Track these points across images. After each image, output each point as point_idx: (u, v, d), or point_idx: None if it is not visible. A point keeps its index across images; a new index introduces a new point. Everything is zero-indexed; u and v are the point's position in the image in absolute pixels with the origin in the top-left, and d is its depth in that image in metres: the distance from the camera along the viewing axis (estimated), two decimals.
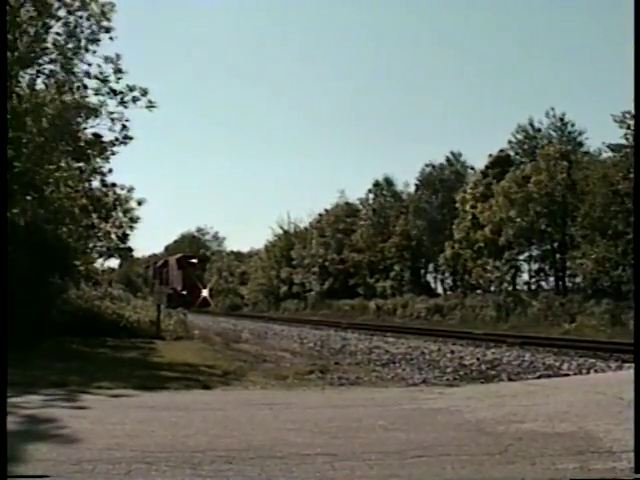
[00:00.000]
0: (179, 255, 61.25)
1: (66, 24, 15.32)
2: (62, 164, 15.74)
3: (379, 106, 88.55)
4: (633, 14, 6.39)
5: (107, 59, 15.46)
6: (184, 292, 51.67)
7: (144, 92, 15.62)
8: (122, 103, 15.58)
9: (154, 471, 4.22)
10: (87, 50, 15.56)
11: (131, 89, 15.52)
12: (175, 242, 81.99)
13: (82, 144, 15.90)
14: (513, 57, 74.49)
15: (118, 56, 15.52)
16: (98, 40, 15.55)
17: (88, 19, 15.41)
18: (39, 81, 15.76)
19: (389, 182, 45.72)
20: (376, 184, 46.05)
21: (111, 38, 15.58)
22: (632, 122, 23.13)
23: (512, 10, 73.24)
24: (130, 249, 20.03)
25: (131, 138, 16.11)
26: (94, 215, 16.93)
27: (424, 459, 4.55)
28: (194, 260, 59.10)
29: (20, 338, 10.81)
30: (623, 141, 24.83)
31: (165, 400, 7.48)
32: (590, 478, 3.99)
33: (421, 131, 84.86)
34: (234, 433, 5.39)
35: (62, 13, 15.25)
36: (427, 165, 41.23)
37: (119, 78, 15.52)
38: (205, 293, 53.94)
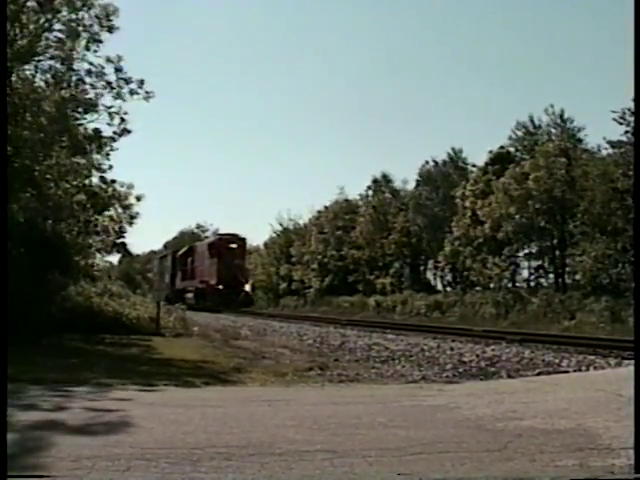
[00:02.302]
0: (213, 238, 46.11)
1: (68, 22, 15.30)
2: (61, 160, 15.72)
3: (379, 102, 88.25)
4: (633, 11, 6.38)
5: (108, 59, 15.48)
6: (220, 287, 39.28)
7: (141, 83, 15.59)
8: (119, 96, 15.57)
9: (153, 468, 4.21)
10: (88, 49, 15.55)
11: (127, 82, 15.49)
12: (174, 238, 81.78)
13: (81, 139, 15.89)
14: (514, 54, 74.28)
15: (119, 57, 15.56)
16: (100, 41, 15.55)
17: (90, 18, 15.40)
18: (38, 77, 15.76)
19: (387, 179, 45.78)
20: (374, 181, 46.12)
21: (110, 31, 15.55)
22: (632, 119, 23.15)
23: (513, 7, 73.10)
24: (124, 243, 20.10)
25: (130, 131, 16.13)
26: (91, 211, 16.93)
27: (423, 456, 4.55)
28: (233, 245, 41.07)
29: (19, 335, 10.80)
30: (623, 138, 24.88)
31: (164, 397, 7.48)
32: (590, 478, 3.98)
33: (422, 128, 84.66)
34: (233, 430, 5.38)
35: (65, 11, 15.24)
36: (427, 162, 41.16)
37: (120, 77, 15.52)
38: (248, 288, 40.64)
